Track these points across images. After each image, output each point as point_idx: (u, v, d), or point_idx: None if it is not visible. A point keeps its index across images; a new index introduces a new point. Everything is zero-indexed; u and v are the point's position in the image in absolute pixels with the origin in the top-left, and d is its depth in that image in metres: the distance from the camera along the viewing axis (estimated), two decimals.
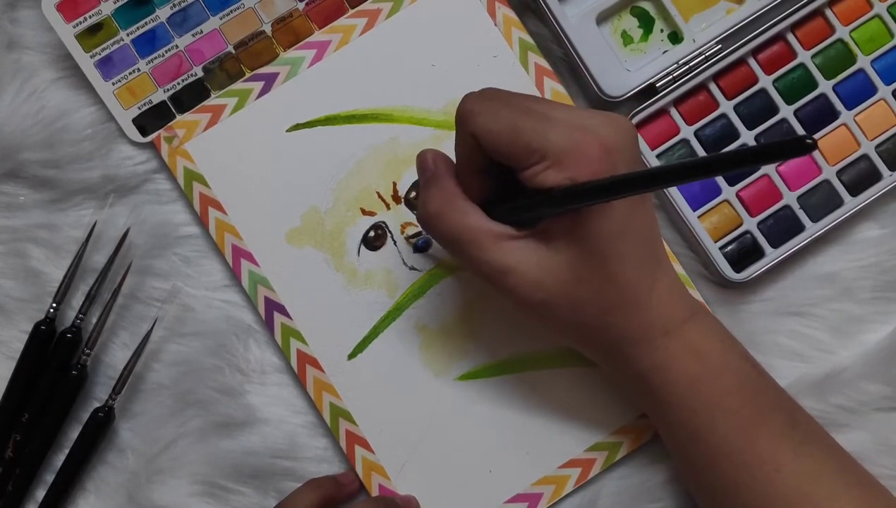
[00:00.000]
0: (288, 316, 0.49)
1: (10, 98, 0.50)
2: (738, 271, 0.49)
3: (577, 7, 0.50)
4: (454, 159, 0.43)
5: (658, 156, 0.50)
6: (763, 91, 0.50)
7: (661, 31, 0.51)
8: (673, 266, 0.43)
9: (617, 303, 0.41)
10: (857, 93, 0.50)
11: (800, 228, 0.50)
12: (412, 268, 0.50)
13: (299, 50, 0.51)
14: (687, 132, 0.50)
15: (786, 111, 0.50)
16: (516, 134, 0.39)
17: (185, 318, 0.50)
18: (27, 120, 0.50)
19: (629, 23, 0.51)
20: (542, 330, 0.49)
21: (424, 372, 0.49)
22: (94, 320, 0.49)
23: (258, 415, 0.50)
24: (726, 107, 0.50)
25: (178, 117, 0.51)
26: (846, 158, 0.50)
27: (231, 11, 0.51)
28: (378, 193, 0.50)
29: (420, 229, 0.50)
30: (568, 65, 0.51)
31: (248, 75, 0.51)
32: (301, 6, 0.51)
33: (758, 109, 0.50)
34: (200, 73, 0.51)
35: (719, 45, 0.50)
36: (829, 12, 0.50)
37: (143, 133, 0.50)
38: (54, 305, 0.49)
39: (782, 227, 0.50)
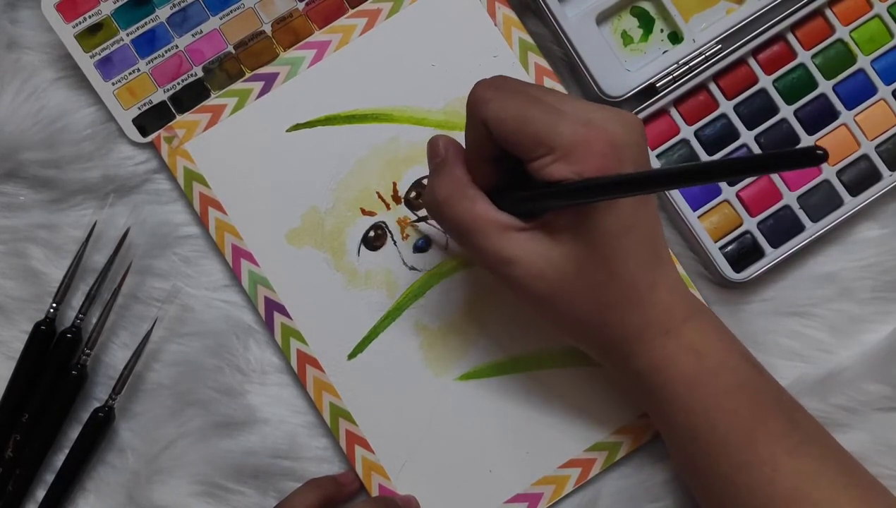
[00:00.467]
0: (288, 316, 0.49)
1: (10, 98, 0.50)
2: (738, 271, 0.49)
3: (577, 7, 0.50)
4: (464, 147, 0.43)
5: (658, 156, 0.50)
6: (763, 91, 0.50)
7: (661, 31, 0.51)
8: (675, 265, 0.43)
9: (617, 300, 0.41)
10: (857, 93, 0.50)
11: (800, 228, 0.50)
12: (412, 268, 0.50)
13: (299, 50, 0.51)
14: (687, 132, 0.50)
15: (786, 111, 0.50)
16: (525, 124, 0.39)
17: (185, 318, 0.50)
18: (27, 120, 0.50)
19: (629, 23, 0.51)
20: (543, 330, 0.49)
21: (424, 372, 0.49)
22: (94, 320, 0.49)
23: (258, 415, 0.50)
24: (726, 107, 0.50)
25: (178, 117, 0.51)
26: (846, 158, 0.50)
27: (231, 11, 0.51)
28: (378, 193, 0.50)
29: (419, 216, 0.50)
30: (568, 65, 0.51)
31: (248, 75, 0.51)
32: (301, 6, 0.51)
33: (758, 109, 0.50)
34: (200, 73, 0.51)
35: (719, 45, 0.50)
36: (829, 12, 0.50)
37: (143, 133, 0.50)
38: (54, 305, 0.49)
39: (782, 227, 0.50)
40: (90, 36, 0.50)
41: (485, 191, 0.42)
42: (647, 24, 0.51)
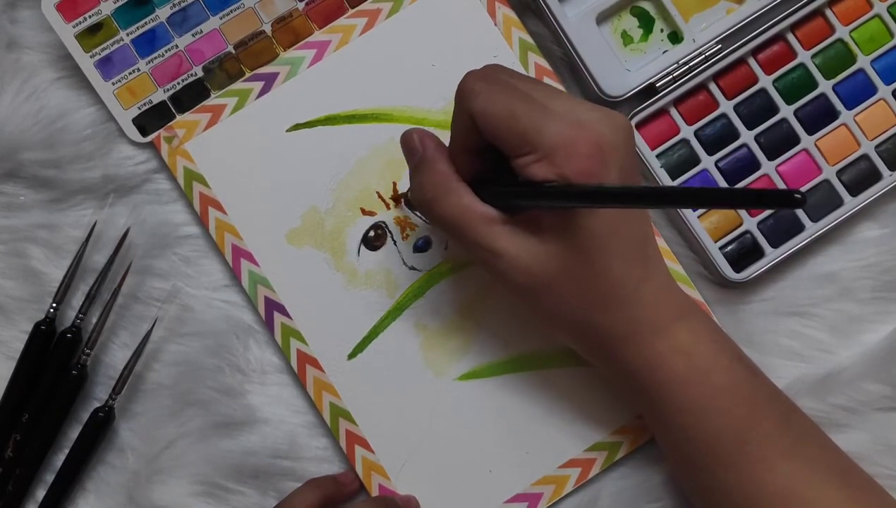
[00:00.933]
0: (288, 316, 0.49)
1: (10, 98, 0.50)
2: (737, 271, 0.49)
3: (577, 7, 0.50)
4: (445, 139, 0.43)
5: (658, 156, 0.50)
6: (763, 91, 0.50)
7: (661, 30, 0.51)
8: (665, 265, 0.43)
9: (604, 300, 0.41)
10: (857, 93, 0.50)
11: (800, 228, 0.50)
12: (412, 268, 0.50)
13: (299, 50, 0.51)
14: (687, 132, 0.50)
15: (786, 111, 0.50)
16: (513, 120, 0.39)
17: (185, 318, 0.50)
18: (27, 120, 0.50)
19: (629, 23, 0.51)
20: (542, 330, 0.49)
21: (424, 371, 0.49)
22: (94, 320, 0.49)
23: (258, 415, 0.50)
24: (726, 107, 0.50)
25: (178, 117, 0.51)
26: (846, 158, 0.50)
27: (231, 11, 0.51)
28: (378, 193, 0.50)
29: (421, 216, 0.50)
30: (568, 65, 0.51)
31: (248, 75, 0.51)
32: (301, 6, 0.51)
33: (758, 109, 0.50)
34: (200, 73, 0.51)
35: (719, 45, 0.50)
36: (829, 12, 0.50)
37: (143, 133, 0.50)
38: (54, 305, 0.49)
39: (782, 227, 0.50)
40: (90, 36, 0.50)
41: (467, 180, 0.42)
42: (647, 23, 0.51)
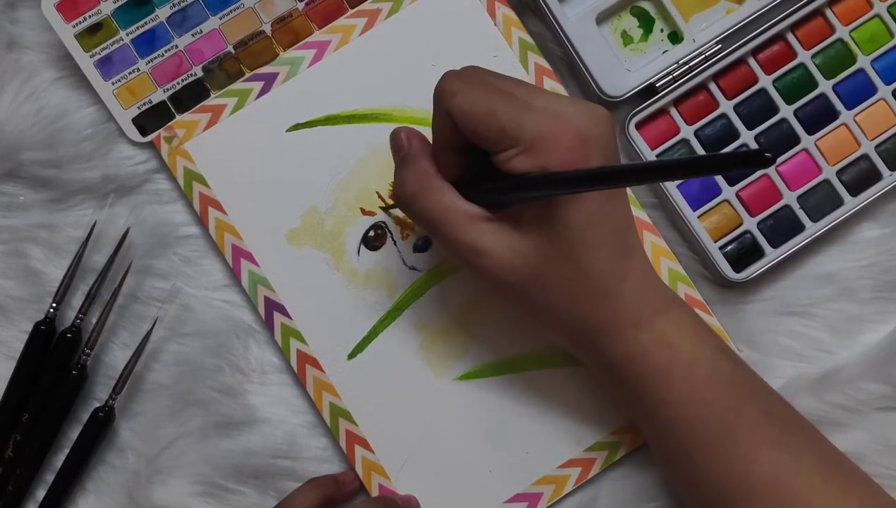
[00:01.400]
0: (288, 316, 0.49)
1: (10, 98, 0.50)
2: (737, 271, 0.49)
3: (577, 7, 0.50)
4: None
5: (658, 156, 0.50)
6: (763, 91, 0.50)
7: (661, 30, 0.51)
8: (647, 257, 0.43)
9: (585, 293, 0.41)
10: (857, 93, 0.50)
11: (800, 228, 0.50)
12: (412, 268, 0.50)
13: (299, 50, 0.51)
14: (687, 132, 0.50)
15: (786, 111, 0.50)
16: (492, 117, 0.39)
17: (185, 318, 0.50)
18: (27, 120, 0.50)
19: (629, 23, 0.51)
20: (542, 330, 0.49)
21: (424, 371, 0.49)
22: (94, 320, 0.49)
23: (258, 415, 0.50)
24: (726, 106, 0.50)
25: (178, 117, 0.50)
26: (846, 158, 0.50)
27: (231, 11, 0.51)
28: (378, 193, 0.50)
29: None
30: (568, 65, 0.51)
31: (247, 75, 0.51)
32: (301, 6, 0.51)
33: (758, 109, 0.50)
34: (200, 73, 0.51)
35: (719, 45, 0.50)
36: (829, 12, 0.50)
37: (143, 133, 0.50)
38: (54, 305, 0.49)
39: (782, 227, 0.50)
40: (90, 36, 0.50)
41: (452, 180, 0.42)
42: (647, 23, 0.51)
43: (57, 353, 0.49)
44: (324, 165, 0.50)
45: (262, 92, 0.50)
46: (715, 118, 0.50)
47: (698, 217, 0.50)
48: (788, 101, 0.50)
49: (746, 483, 0.41)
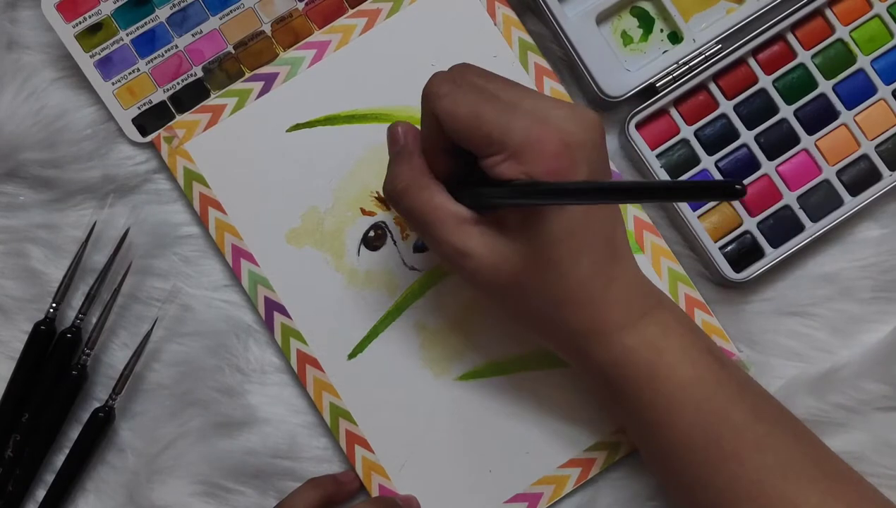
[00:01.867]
0: (288, 316, 0.49)
1: (10, 98, 0.50)
2: (737, 271, 0.49)
3: (577, 7, 0.50)
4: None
5: (658, 156, 0.50)
6: (763, 91, 0.50)
7: (661, 31, 0.51)
8: (635, 260, 0.42)
9: (570, 298, 0.41)
10: (857, 93, 0.50)
11: (800, 228, 0.50)
12: (412, 268, 0.50)
13: (299, 50, 0.51)
14: (687, 132, 0.50)
15: (786, 111, 0.50)
16: (478, 121, 0.38)
17: (185, 318, 0.50)
18: (27, 120, 0.50)
19: (629, 23, 0.51)
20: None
21: (424, 371, 0.49)
22: (94, 320, 0.49)
23: (258, 415, 0.50)
24: (726, 107, 0.50)
25: (178, 117, 0.51)
26: (846, 158, 0.50)
27: (231, 11, 0.51)
28: (378, 193, 0.50)
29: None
30: (568, 65, 0.51)
31: (247, 75, 0.51)
32: (301, 6, 0.51)
33: (758, 109, 0.50)
34: (200, 73, 0.51)
35: (719, 45, 0.50)
36: (829, 12, 0.50)
37: (143, 133, 0.50)
38: (54, 305, 0.49)
39: (782, 227, 0.50)
40: (90, 36, 0.50)
41: (443, 179, 0.42)
42: (647, 24, 0.51)
43: (57, 353, 0.49)
44: (324, 165, 0.50)
45: (262, 92, 0.50)
46: (715, 118, 0.50)
47: (698, 217, 0.50)
48: (788, 101, 0.50)
49: (734, 488, 0.40)
